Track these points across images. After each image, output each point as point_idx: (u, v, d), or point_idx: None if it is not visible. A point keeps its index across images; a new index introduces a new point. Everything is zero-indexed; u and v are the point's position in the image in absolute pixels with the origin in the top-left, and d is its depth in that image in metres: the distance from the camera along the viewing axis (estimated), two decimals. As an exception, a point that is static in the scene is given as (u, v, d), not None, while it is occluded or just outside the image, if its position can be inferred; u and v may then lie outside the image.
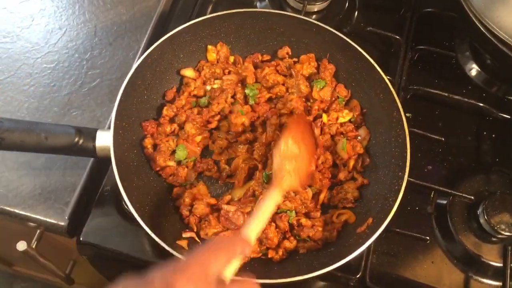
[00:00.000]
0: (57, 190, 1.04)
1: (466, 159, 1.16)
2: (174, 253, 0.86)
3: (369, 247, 0.94)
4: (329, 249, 0.98)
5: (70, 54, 1.20)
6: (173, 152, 1.06)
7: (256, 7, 1.33)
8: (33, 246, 1.04)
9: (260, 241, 0.97)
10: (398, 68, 1.21)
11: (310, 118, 1.10)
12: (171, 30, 1.08)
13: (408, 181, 0.96)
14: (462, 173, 1.12)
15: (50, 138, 0.92)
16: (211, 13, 1.27)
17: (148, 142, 1.05)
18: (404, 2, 1.35)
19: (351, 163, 1.06)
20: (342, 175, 1.05)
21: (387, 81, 1.06)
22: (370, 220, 0.96)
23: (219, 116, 1.10)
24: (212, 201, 1.02)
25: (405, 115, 1.03)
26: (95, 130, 0.95)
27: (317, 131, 1.08)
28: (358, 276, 0.98)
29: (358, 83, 1.13)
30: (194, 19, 1.11)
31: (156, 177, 1.04)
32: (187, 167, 1.06)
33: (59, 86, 1.16)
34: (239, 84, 1.13)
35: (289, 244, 0.98)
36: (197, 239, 0.97)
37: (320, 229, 0.99)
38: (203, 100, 1.12)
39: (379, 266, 1.02)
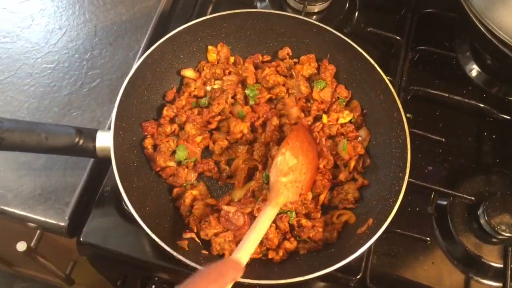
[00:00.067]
0: (57, 191, 1.04)
1: (466, 160, 1.16)
2: (174, 253, 0.86)
3: (369, 248, 0.94)
4: (330, 250, 0.98)
5: (70, 54, 1.20)
6: (173, 152, 1.06)
7: (256, 7, 1.33)
8: (33, 247, 1.04)
9: (260, 242, 0.97)
10: (399, 69, 1.21)
11: (310, 119, 1.10)
12: (171, 30, 1.08)
13: (408, 182, 0.96)
14: (462, 174, 1.12)
15: (50, 139, 0.92)
16: (211, 13, 1.27)
17: (148, 143, 1.05)
18: (405, 3, 1.35)
19: (352, 163, 1.06)
20: (342, 176, 1.05)
21: (388, 81, 1.06)
22: (370, 221, 0.96)
23: (219, 116, 1.10)
24: (212, 201, 1.02)
25: (405, 115, 1.03)
26: (95, 131, 0.95)
27: (318, 137, 1.07)
28: (358, 277, 0.98)
29: (359, 83, 1.13)
30: (194, 19, 1.11)
31: (156, 178, 1.04)
32: (187, 167, 1.06)
33: (59, 86, 1.16)
34: (240, 85, 1.13)
35: (290, 244, 0.98)
36: (197, 239, 0.97)
37: (321, 229, 0.99)
38: (204, 101, 1.12)
39: (380, 267, 1.02)
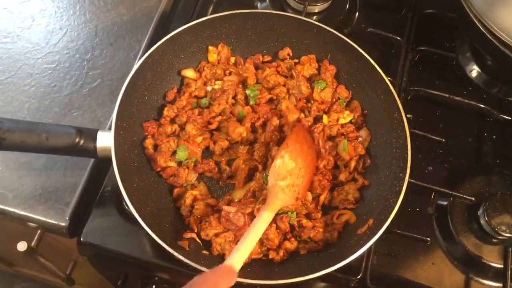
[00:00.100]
0: (57, 191, 1.04)
1: (466, 160, 1.16)
2: (175, 253, 0.86)
3: (369, 248, 0.94)
4: (330, 250, 0.98)
5: (71, 54, 1.20)
6: (174, 152, 1.06)
7: (257, 8, 1.33)
8: (34, 247, 1.04)
9: (261, 242, 0.97)
10: (399, 69, 1.22)
11: (310, 119, 1.10)
12: (172, 31, 1.08)
13: (408, 182, 0.96)
14: (462, 174, 1.12)
15: (51, 139, 0.92)
16: (212, 13, 1.27)
17: (149, 143, 1.05)
18: (405, 3, 1.35)
19: (352, 164, 1.06)
20: (343, 176, 1.05)
21: (388, 82, 1.06)
22: (371, 221, 0.96)
23: (220, 117, 1.10)
24: (213, 202, 1.02)
25: (406, 116, 1.03)
26: (96, 131, 0.95)
27: (317, 137, 1.07)
28: (358, 277, 0.98)
29: (359, 84, 1.13)
30: (195, 19, 1.11)
31: (156, 178, 1.04)
32: (187, 168, 1.06)
33: (60, 87, 1.16)
34: (240, 85, 1.13)
35: (290, 245, 0.98)
36: (197, 239, 0.97)
37: (321, 230, 0.99)
38: (204, 101, 1.12)
39: (380, 267, 1.02)
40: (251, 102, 1.12)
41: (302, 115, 1.11)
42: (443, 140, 1.13)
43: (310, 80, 1.15)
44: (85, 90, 1.16)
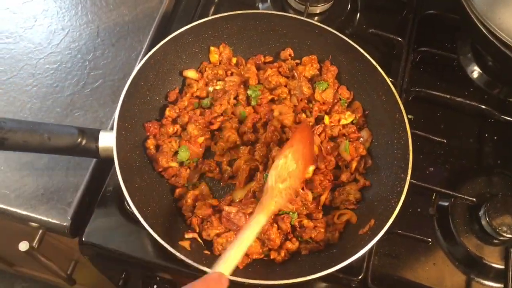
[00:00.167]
0: (59, 191, 1.05)
1: (468, 161, 1.16)
2: (177, 253, 0.87)
3: (371, 249, 0.94)
4: (331, 250, 0.98)
5: (73, 54, 1.20)
6: (176, 153, 1.06)
7: (258, 8, 1.34)
8: (35, 247, 1.04)
9: (262, 242, 0.97)
10: (400, 70, 1.22)
11: (312, 120, 1.11)
12: (173, 31, 1.08)
13: (409, 183, 0.97)
14: (464, 175, 1.12)
15: (53, 139, 0.92)
16: (213, 14, 1.27)
17: (150, 143, 1.05)
18: (406, 4, 1.36)
19: (354, 164, 1.06)
20: (344, 177, 1.05)
21: (390, 83, 1.06)
22: (372, 221, 0.96)
23: (221, 117, 1.10)
24: (214, 202, 1.02)
25: (407, 117, 1.03)
26: (98, 131, 0.95)
27: (317, 139, 1.08)
28: (360, 277, 0.98)
29: (361, 85, 1.13)
30: (196, 20, 1.11)
31: (158, 178, 1.04)
32: (189, 168, 1.06)
33: (62, 87, 1.16)
34: (242, 86, 1.14)
35: (291, 245, 0.98)
36: (199, 239, 0.97)
37: (322, 230, 0.99)
38: (206, 101, 1.12)
39: (381, 268, 1.02)
40: (253, 103, 1.12)
41: (304, 115, 1.11)
42: (444, 141, 1.13)
43: (312, 80, 1.16)
44: (87, 91, 1.16)
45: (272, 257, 0.97)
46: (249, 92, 1.13)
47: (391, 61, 1.25)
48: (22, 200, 1.03)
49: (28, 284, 2.25)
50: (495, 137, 1.20)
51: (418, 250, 1.05)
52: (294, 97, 1.13)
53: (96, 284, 1.71)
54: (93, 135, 0.95)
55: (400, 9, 1.36)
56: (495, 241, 1.03)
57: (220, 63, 1.17)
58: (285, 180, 0.95)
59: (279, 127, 1.09)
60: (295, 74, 1.15)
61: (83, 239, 1.01)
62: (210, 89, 1.13)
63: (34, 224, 1.05)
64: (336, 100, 1.14)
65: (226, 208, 0.99)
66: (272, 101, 1.14)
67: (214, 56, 1.16)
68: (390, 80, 1.07)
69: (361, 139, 1.10)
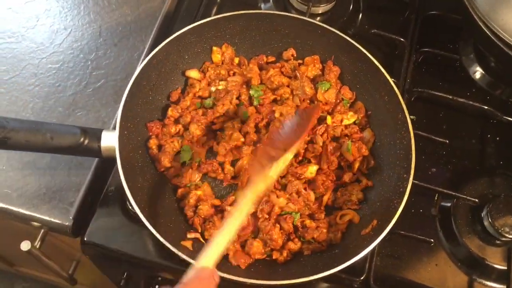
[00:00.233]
0: (61, 190, 1.04)
1: (470, 162, 1.16)
2: (179, 253, 0.86)
3: (373, 249, 0.94)
4: (334, 250, 0.98)
5: (75, 54, 1.20)
6: (178, 153, 1.06)
7: (260, 8, 1.34)
8: (37, 246, 1.04)
9: (264, 242, 0.97)
10: (403, 71, 1.22)
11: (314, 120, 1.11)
12: (176, 31, 1.08)
13: (412, 183, 0.96)
14: (466, 176, 1.12)
15: (55, 138, 0.92)
16: (215, 14, 1.27)
17: (153, 143, 1.05)
18: (409, 4, 1.35)
19: (356, 165, 1.06)
20: (346, 177, 1.05)
21: (392, 83, 1.06)
22: (374, 222, 0.96)
23: (224, 117, 1.10)
24: (217, 202, 1.02)
25: (409, 117, 1.03)
26: (100, 131, 0.95)
27: (320, 140, 1.07)
28: (362, 278, 0.98)
29: (363, 85, 1.13)
30: (198, 20, 1.11)
31: (160, 178, 1.04)
32: (191, 168, 1.06)
33: (64, 87, 1.16)
34: (244, 86, 1.14)
35: (294, 245, 0.98)
36: (201, 239, 0.97)
37: (325, 230, 0.99)
38: (208, 101, 1.12)
39: (383, 268, 1.02)
40: (255, 103, 1.12)
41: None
42: (447, 142, 1.13)
43: (314, 81, 1.15)
44: (89, 90, 1.16)
45: (274, 257, 0.97)
46: (251, 92, 1.13)
47: (393, 61, 1.25)
48: (24, 200, 1.03)
49: (29, 284, 2.25)
50: (498, 138, 1.20)
51: (420, 250, 1.05)
52: (296, 97, 1.13)
53: (97, 284, 1.71)
54: (96, 134, 0.95)
55: (403, 10, 1.36)
56: (498, 242, 1.03)
57: (222, 63, 1.17)
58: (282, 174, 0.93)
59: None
60: (298, 74, 1.15)
61: (85, 239, 1.01)
62: (213, 89, 1.13)
63: (36, 224, 1.05)
64: (338, 101, 1.14)
65: (229, 208, 0.99)
66: (275, 101, 1.14)
67: (216, 56, 1.16)
68: (393, 81, 1.07)
69: (364, 139, 1.10)
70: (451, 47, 1.31)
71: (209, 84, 1.14)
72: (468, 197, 1.06)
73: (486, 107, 1.18)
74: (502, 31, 1.04)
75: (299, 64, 1.17)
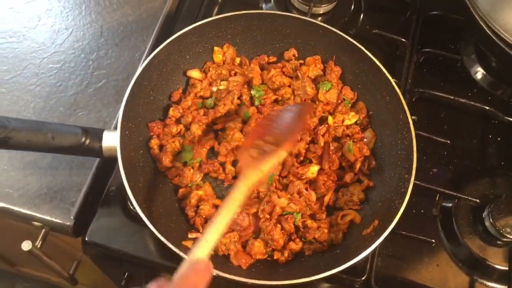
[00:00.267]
0: (63, 190, 1.04)
1: (471, 162, 1.16)
2: (180, 253, 0.86)
3: (374, 250, 0.94)
4: (335, 251, 0.98)
5: (76, 54, 1.20)
6: (179, 153, 1.06)
7: (261, 8, 1.34)
8: (38, 246, 1.04)
9: (265, 242, 0.97)
10: (404, 71, 1.22)
11: (315, 120, 1.11)
12: (177, 31, 1.08)
13: (413, 184, 0.96)
14: (467, 176, 1.12)
15: (57, 138, 0.92)
16: (217, 14, 1.27)
17: (154, 143, 1.05)
18: (410, 5, 1.35)
19: (357, 165, 1.06)
20: (348, 177, 1.05)
21: (394, 83, 1.06)
22: (376, 222, 0.96)
23: (225, 117, 1.10)
24: (218, 202, 1.02)
25: (411, 117, 1.03)
26: (102, 131, 0.95)
27: (321, 140, 1.07)
28: (363, 278, 0.98)
29: (364, 85, 1.13)
30: (200, 20, 1.11)
31: (162, 178, 1.04)
32: (192, 168, 1.06)
33: (65, 86, 1.16)
34: (245, 86, 1.14)
35: (295, 245, 0.98)
36: (202, 240, 0.97)
37: (326, 230, 0.99)
38: (209, 101, 1.12)
39: (384, 269, 1.02)
40: (256, 103, 1.12)
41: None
42: (448, 142, 1.13)
43: (315, 81, 1.15)
44: (90, 90, 1.16)
45: (275, 257, 0.97)
46: (252, 92, 1.13)
47: (394, 62, 1.25)
48: (26, 199, 1.03)
49: (30, 284, 2.25)
50: (499, 138, 1.20)
51: (421, 251, 1.05)
52: (297, 98, 1.13)
53: (98, 284, 1.71)
54: (97, 134, 0.95)
55: (404, 10, 1.36)
56: (499, 242, 1.03)
57: (223, 63, 1.17)
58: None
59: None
60: (299, 74, 1.15)
61: (86, 239, 1.01)
62: (214, 89, 1.13)
63: (37, 224, 1.05)
64: (340, 101, 1.14)
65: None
66: (276, 101, 1.14)
67: (217, 56, 1.16)
68: (394, 81, 1.07)
69: (365, 139, 1.10)
70: (452, 47, 1.31)
71: (210, 84, 1.14)
72: (469, 198, 1.06)
73: (487, 108, 1.18)
74: (503, 31, 1.04)
75: (301, 64, 1.17)
